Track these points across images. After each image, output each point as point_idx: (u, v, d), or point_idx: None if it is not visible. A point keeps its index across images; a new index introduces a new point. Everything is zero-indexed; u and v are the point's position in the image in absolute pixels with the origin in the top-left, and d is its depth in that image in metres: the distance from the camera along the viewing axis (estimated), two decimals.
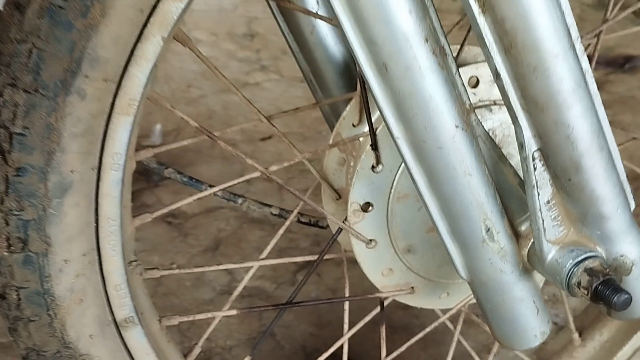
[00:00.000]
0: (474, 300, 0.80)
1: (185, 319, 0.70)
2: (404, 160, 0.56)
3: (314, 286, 1.33)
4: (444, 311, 0.83)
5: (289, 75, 2.19)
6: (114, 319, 0.63)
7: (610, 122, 0.55)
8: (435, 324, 0.84)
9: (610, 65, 2.21)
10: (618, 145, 0.57)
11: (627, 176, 0.58)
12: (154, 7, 0.53)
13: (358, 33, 0.50)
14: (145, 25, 0.54)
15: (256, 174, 0.68)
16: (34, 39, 0.51)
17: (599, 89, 0.53)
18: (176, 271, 0.70)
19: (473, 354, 0.90)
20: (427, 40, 0.50)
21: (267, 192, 1.62)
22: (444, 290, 0.78)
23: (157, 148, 0.64)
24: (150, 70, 0.56)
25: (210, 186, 0.81)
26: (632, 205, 0.60)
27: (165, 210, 0.66)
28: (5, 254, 0.55)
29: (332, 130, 0.83)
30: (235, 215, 1.54)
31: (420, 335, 0.83)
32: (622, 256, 0.59)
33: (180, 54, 2.17)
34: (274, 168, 0.67)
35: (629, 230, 0.59)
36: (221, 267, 0.72)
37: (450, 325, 0.89)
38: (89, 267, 0.59)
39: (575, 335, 0.95)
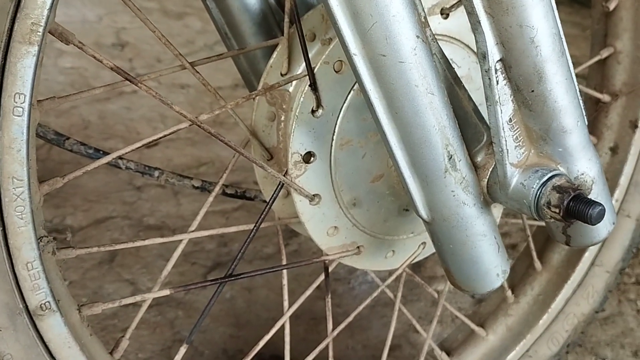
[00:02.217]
0: (420, 257, 0.77)
1: (110, 305, 0.59)
2: (361, 83, 0.51)
3: (228, 286, 1.23)
4: (384, 282, 0.78)
5: (167, 82, 2.08)
6: (26, 307, 0.51)
7: None
8: (376, 292, 0.79)
9: None
10: None
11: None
12: None
13: None
14: None
15: (185, 125, 0.59)
16: None
17: None
18: (95, 249, 0.59)
19: (414, 322, 0.86)
20: None
21: (161, 197, 1.50)
22: (390, 248, 0.73)
23: (65, 98, 0.54)
24: None
25: (120, 158, 0.70)
26: (586, 122, 0.58)
27: (78, 173, 0.55)
28: None
29: (250, 88, 0.76)
30: (130, 223, 1.40)
31: (367, 302, 0.77)
32: (582, 174, 0.57)
33: (45, 65, 2.00)
34: (204, 117, 0.59)
35: (587, 146, 0.57)
36: (147, 242, 0.62)
37: (391, 294, 0.85)
38: None
39: (509, 293, 0.94)
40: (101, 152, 0.70)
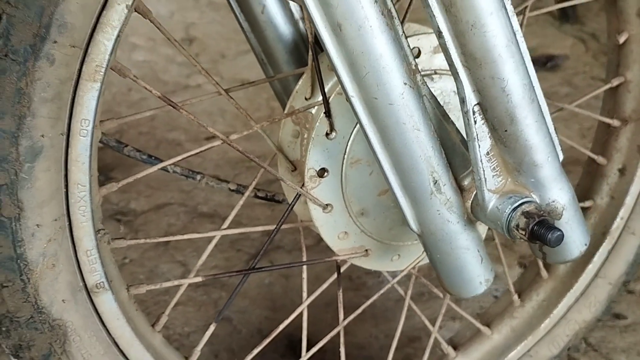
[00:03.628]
0: (423, 262, 0.87)
1: (152, 287, 0.72)
2: (358, 119, 0.61)
3: (267, 273, 1.36)
4: (394, 278, 0.89)
5: (228, 77, 2.22)
6: (85, 285, 0.64)
7: None
8: (385, 288, 0.89)
9: (534, 64, 2.36)
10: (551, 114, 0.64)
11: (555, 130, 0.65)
12: None
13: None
14: None
15: (217, 143, 0.71)
16: (3, 5, 0.53)
17: None
18: (142, 241, 0.72)
19: (423, 318, 0.96)
20: (376, 1, 0.55)
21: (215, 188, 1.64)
22: (395, 252, 0.83)
23: (121, 119, 0.67)
24: (116, 38, 0.59)
25: (162, 160, 0.83)
26: (561, 157, 0.67)
27: (131, 179, 0.68)
28: None
29: (283, 107, 0.87)
30: (185, 210, 1.55)
31: (374, 297, 0.88)
32: (553, 201, 0.66)
33: (120, 59, 2.18)
34: (234, 137, 0.71)
35: (559, 177, 0.65)
36: (185, 236, 0.74)
37: (401, 291, 0.95)
38: (60, 232, 0.61)
39: (515, 297, 1.02)
40: (153, 157, 0.83)
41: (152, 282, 1.34)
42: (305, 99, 0.77)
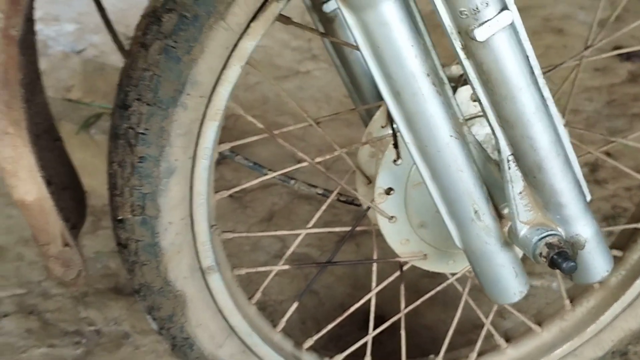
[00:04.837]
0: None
1: (251, 270, 0.93)
2: (413, 159, 0.77)
3: (353, 255, 1.55)
4: (454, 275, 1.04)
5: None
6: (200, 267, 0.86)
7: None
8: (444, 284, 1.05)
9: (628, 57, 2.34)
10: None
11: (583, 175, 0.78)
12: (235, 45, 0.75)
13: (379, 70, 0.70)
14: (229, 58, 0.76)
15: (305, 164, 0.89)
16: (155, 68, 0.73)
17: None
18: (244, 234, 0.93)
19: (478, 312, 1.11)
20: (428, 75, 0.70)
21: (315, 174, 1.85)
22: (451, 257, 0.99)
23: (233, 142, 0.87)
24: (231, 89, 0.78)
25: (270, 170, 1.03)
26: (588, 197, 0.79)
27: (238, 188, 0.88)
28: (129, 216, 0.79)
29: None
30: (287, 191, 1.76)
31: (432, 293, 1.04)
32: (577, 235, 0.79)
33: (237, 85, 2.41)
34: (319, 159, 0.89)
35: (582, 215, 0.78)
36: (277, 232, 0.94)
37: (459, 286, 1.10)
38: (185, 227, 0.83)
39: (567, 302, 1.14)
40: (257, 164, 1.03)
41: (255, 254, 1.58)
42: (381, 127, 0.94)
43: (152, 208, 0.79)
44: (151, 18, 0.73)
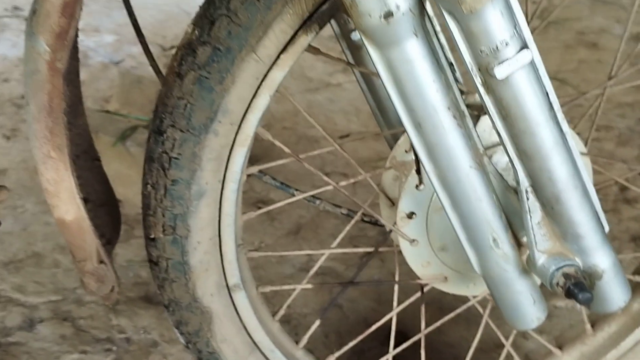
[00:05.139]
0: None
1: (275, 288, 0.97)
2: (433, 187, 0.80)
3: (377, 270, 1.57)
4: (475, 297, 1.06)
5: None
6: (227, 284, 0.90)
7: None
8: (465, 306, 1.07)
9: None
10: None
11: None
12: (265, 76, 0.79)
13: (401, 103, 0.73)
14: (259, 87, 0.79)
15: (329, 187, 0.93)
16: (189, 97, 0.77)
17: None
18: (269, 253, 0.96)
19: (499, 333, 1.12)
20: (449, 108, 0.73)
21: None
22: (471, 281, 1.01)
23: (261, 165, 0.90)
24: (261, 116, 0.81)
25: (297, 190, 1.06)
26: (606, 228, 0.80)
27: (264, 210, 0.92)
28: (161, 235, 0.83)
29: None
30: (314, 206, 1.80)
31: (452, 315, 1.06)
32: (595, 265, 0.80)
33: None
34: (343, 184, 0.92)
35: (600, 246, 0.79)
36: (302, 252, 0.97)
37: (480, 308, 1.12)
38: (213, 247, 0.86)
39: (588, 326, 1.14)
40: (284, 184, 1.06)
41: (282, 266, 1.61)
42: (405, 151, 0.96)
43: (183, 228, 0.83)
44: (187, 50, 0.77)
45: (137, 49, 2.41)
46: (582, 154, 0.90)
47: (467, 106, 0.76)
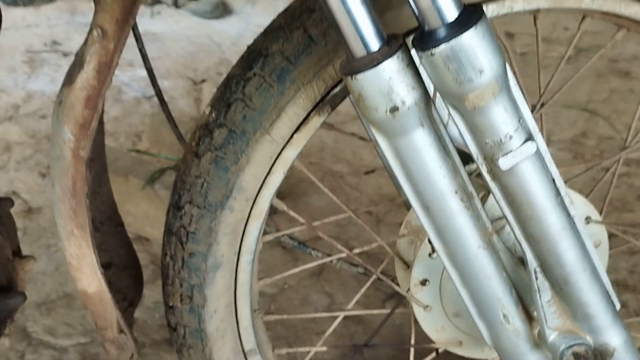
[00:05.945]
0: None
1: (290, 350, 0.99)
2: (443, 264, 0.81)
3: (397, 314, 1.58)
4: None
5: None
6: (243, 350, 0.92)
7: None
8: None
9: None
10: None
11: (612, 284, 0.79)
12: (279, 155, 0.81)
13: (409, 187, 0.75)
14: (273, 165, 0.82)
15: (343, 255, 0.95)
16: (205, 176, 0.80)
17: None
18: (285, 316, 0.98)
19: None
20: (456, 192, 0.74)
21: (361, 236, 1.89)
22: (486, 345, 1.01)
23: (277, 233, 0.93)
24: (275, 191, 0.84)
25: (314, 249, 1.09)
26: (617, 306, 0.80)
27: (278, 277, 0.94)
28: (179, 304, 0.86)
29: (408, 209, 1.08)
30: (339, 243, 1.81)
31: None
32: (605, 344, 0.80)
33: None
34: (356, 251, 0.94)
35: (611, 325, 0.79)
36: (315, 315, 0.99)
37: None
38: (229, 314, 0.89)
39: None
40: (302, 244, 1.09)
41: (304, 308, 1.63)
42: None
43: (200, 298, 0.86)
44: (204, 131, 0.80)
45: (169, 82, 2.46)
46: (596, 222, 0.91)
47: (478, 176, 0.78)
